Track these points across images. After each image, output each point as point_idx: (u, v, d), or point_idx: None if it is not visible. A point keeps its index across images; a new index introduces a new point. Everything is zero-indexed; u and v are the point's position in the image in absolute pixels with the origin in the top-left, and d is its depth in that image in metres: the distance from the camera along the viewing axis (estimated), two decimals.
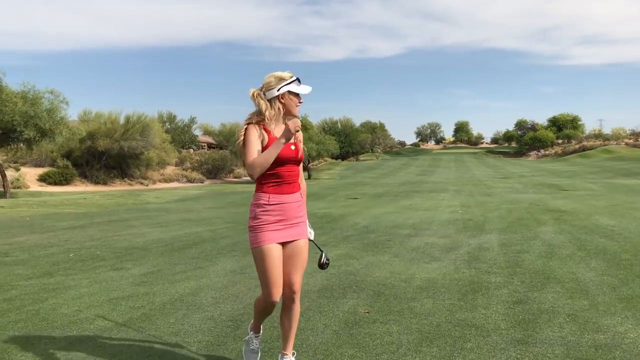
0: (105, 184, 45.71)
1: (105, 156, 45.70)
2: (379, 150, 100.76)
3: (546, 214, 12.10)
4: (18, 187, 36.35)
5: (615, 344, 3.83)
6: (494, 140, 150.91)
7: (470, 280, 5.92)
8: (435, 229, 10.32)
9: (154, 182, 49.96)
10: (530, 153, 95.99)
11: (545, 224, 10.46)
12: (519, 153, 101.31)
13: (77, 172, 44.73)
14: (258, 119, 3.33)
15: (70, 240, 10.04)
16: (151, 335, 4.31)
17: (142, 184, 48.15)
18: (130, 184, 47.62)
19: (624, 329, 4.13)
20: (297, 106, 3.42)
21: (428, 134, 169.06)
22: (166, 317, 4.82)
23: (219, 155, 60.25)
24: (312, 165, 65.89)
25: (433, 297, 5.30)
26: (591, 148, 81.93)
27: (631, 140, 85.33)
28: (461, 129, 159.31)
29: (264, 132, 3.29)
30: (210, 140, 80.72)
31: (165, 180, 51.94)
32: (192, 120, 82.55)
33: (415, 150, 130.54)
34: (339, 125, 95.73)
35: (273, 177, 3.30)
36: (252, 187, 3.51)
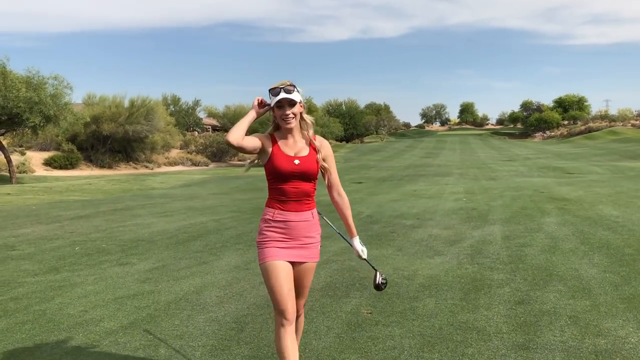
0: (110, 167, 45.89)
1: (110, 140, 45.83)
2: (384, 132, 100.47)
3: (550, 203, 12.09)
4: (24, 172, 36.55)
5: (615, 349, 3.86)
6: (500, 122, 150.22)
7: (472, 278, 5.95)
8: (439, 219, 10.34)
9: (159, 166, 50.11)
10: (536, 134, 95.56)
11: (549, 214, 10.46)
12: (524, 134, 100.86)
13: (82, 156, 44.92)
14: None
15: (76, 231, 10.12)
16: (156, 339, 4.36)
17: (147, 167, 48.31)
18: (136, 168, 47.79)
19: (625, 333, 4.15)
20: (283, 119, 3.13)
21: (433, 115, 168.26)
22: (171, 319, 4.87)
23: (224, 138, 60.23)
24: None
25: (435, 296, 5.33)
26: (597, 129, 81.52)
27: (637, 122, 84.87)
28: (466, 110, 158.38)
29: (270, 141, 3.19)
30: (214, 122, 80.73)
31: (170, 164, 52.07)
32: (197, 103, 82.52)
33: (420, 131, 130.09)
34: (344, 107, 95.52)
35: (277, 192, 3.18)
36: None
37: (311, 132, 3.26)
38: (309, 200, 3.23)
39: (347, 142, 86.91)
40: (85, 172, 42.43)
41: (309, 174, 3.17)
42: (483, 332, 4.28)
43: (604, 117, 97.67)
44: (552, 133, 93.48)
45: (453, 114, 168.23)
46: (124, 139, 46.43)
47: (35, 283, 6.30)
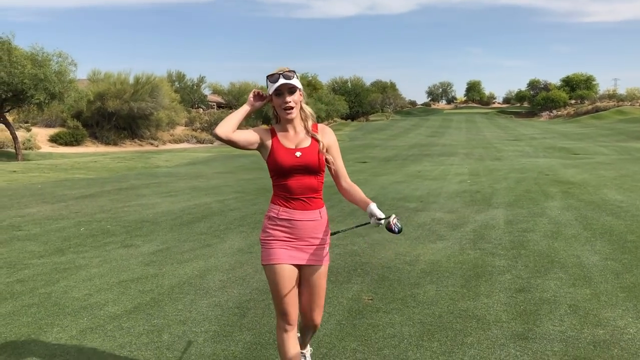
0: (115, 144, 45.97)
1: (115, 117, 45.85)
2: (390, 111, 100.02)
3: (554, 186, 12.07)
4: (29, 148, 36.67)
5: (614, 340, 3.89)
6: (506, 100, 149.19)
7: (474, 264, 5.98)
8: (442, 203, 10.36)
9: (164, 143, 50.17)
10: (542, 114, 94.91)
11: (553, 198, 10.45)
12: (531, 113, 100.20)
13: (88, 132, 44.98)
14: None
15: (81, 212, 10.18)
16: (159, 324, 4.42)
17: (152, 144, 48.38)
18: (141, 145, 47.87)
19: (624, 323, 4.18)
20: (284, 109, 2.94)
21: (439, 93, 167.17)
22: (174, 303, 4.93)
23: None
24: None
25: (437, 282, 5.37)
26: (604, 109, 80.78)
27: None
28: (473, 89, 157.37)
29: (269, 135, 3.02)
30: (219, 99, 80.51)
31: (175, 141, 52.12)
32: (201, 80, 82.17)
33: (426, 110, 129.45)
34: (349, 85, 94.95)
35: (280, 189, 2.99)
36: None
37: (310, 123, 3.05)
38: (315, 196, 3.01)
39: (352, 120, 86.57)
40: (90, 148, 42.54)
41: (312, 167, 2.95)
42: (483, 321, 4.32)
43: (612, 96, 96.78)
44: (559, 112, 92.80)
45: (459, 92, 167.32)
46: (129, 115, 46.45)
47: (40, 265, 6.37)
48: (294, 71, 2.94)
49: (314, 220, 3.00)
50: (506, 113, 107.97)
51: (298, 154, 2.95)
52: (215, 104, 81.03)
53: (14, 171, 20.25)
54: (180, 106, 57.13)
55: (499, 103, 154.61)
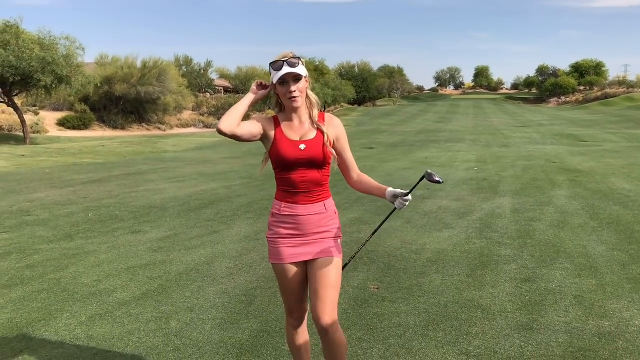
0: (123, 129, 46.01)
1: (122, 101, 45.84)
2: (397, 96, 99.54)
3: (562, 174, 12.03)
4: (37, 132, 36.76)
5: (619, 332, 3.91)
6: (514, 86, 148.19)
7: (480, 253, 6.00)
8: (449, 190, 10.35)
9: (171, 128, 50.16)
10: (551, 100, 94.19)
11: (560, 186, 10.43)
12: (539, 99, 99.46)
13: (95, 116, 45.00)
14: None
15: (89, 197, 10.25)
16: (167, 311, 4.47)
17: (159, 129, 48.40)
18: (148, 129, 47.90)
19: (629, 315, 4.20)
20: (289, 98, 2.75)
21: (447, 79, 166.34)
22: (182, 290, 4.98)
23: (236, 100, 59.99)
24: (328, 111, 65.51)
25: (442, 272, 5.39)
26: (614, 96, 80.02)
27: None
28: (481, 74, 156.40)
29: (272, 125, 2.84)
30: (226, 84, 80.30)
31: (182, 126, 52.10)
32: (209, 64, 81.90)
33: (433, 95, 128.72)
34: (356, 70, 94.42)
35: (283, 183, 2.83)
36: None
37: (316, 112, 2.85)
38: (320, 190, 2.84)
39: (360, 105, 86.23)
40: (98, 132, 42.63)
41: (317, 160, 2.77)
42: (488, 311, 4.34)
43: (621, 83, 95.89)
44: (567, 99, 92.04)
45: (467, 78, 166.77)
46: (136, 100, 46.42)
47: (50, 250, 6.43)
48: (299, 57, 2.74)
49: (319, 213, 2.84)
50: (514, 99, 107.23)
51: (302, 146, 2.77)
52: (222, 88, 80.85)
53: (23, 155, 20.37)
54: (187, 91, 57.03)
55: (507, 89, 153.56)
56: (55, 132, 39.55)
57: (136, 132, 45.89)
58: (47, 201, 9.80)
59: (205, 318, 4.32)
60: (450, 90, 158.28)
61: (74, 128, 41.81)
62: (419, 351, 3.69)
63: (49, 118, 41.33)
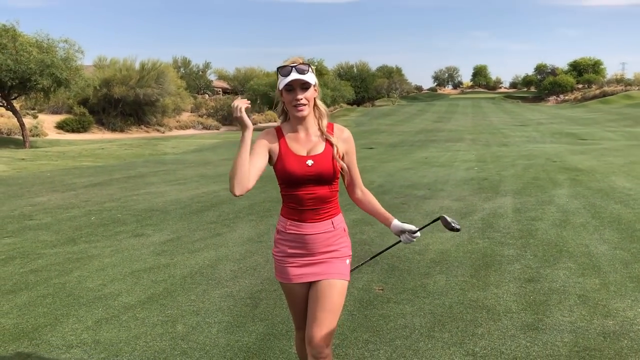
0: (122, 131, 46.05)
1: (121, 103, 45.91)
2: (396, 96, 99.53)
3: (562, 173, 12.06)
4: (36, 135, 36.77)
5: (623, 331, 3.93)
6: (513, 85, 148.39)
7: (483, 253, 6.02)
8: (450, 190, 10.37)
9: (170, 129, 50.19)
10: (549, 98, 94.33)
11: (561, 185, 10.45)
12: (538, 98, 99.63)
13: (94, 119, 45.04)
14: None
15: (90, 200, 10.26)
16: (173, 315, 4.49)
17: (158, 131, 48.44)
18: (147, 131, 47.95)
19: (633, 314, 4.21)
20: (294, 105, 2.55)
21: (446, 78, 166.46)
22: (187, 293, 5.00)
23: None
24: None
25: (446, 272, 5.41)
26: (612, 94, 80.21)
27: None
28: (479, 73, 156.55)
29: (276, 137, 2.65)
30: (225, 85, 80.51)
31: (181, 127, 52.12)
32: (207, 65, 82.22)
33: (432, 95, 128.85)
34: (355, 70, 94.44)
35: (289, 200, 2.65)
36: None
37: (325, 122, 2.65)
38: (329, 207, 2.66)
39: (358, 105, 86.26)
40: (97, 135, 42.64)
41: (326, 176, 2.59)
42: (493, 311, 4.36)
43: (619, 81, 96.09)
44: (566, 97, 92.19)
45: (466, 77, 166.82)
46: (135, 102, 46.50)
47: (53, 255, 6.44)
48: (308, 64, 2.56)
49: (326, 232, 2.65)
50: (513, 98, 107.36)
51: (310, 162, 2.57)
52: (220, 89, 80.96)
53: (23, 159, 20.38)
54: (186, 92, 57.12)
55: (505, 88, 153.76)
56: (54, 135, 39.57)
57: (135, 134, 45.91)
58: (49, 205, 9.81)
59: (211, 321, 4.33)
60: (448, 89, 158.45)
61: (73, 131, 41.85)
62: (426, 352, 3.71)
63: (47, 121, 41.34)
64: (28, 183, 13.20)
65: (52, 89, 29.37)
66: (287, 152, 2.60)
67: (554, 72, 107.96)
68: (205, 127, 53.49)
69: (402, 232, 2.72)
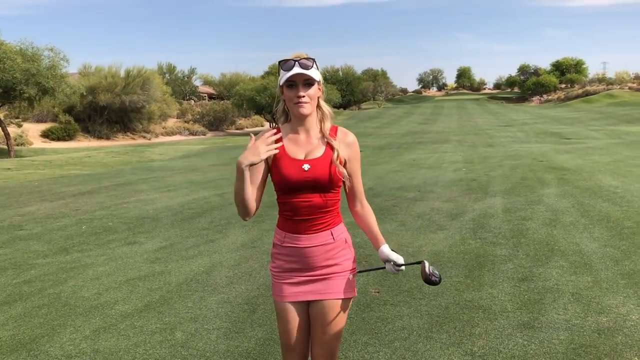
0: (108, 138, 45.81)
1: (107, 111, 45.69)
2: (381, 99, 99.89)
3: (549, 173, 12.19)
4: (21, 144, 36.48)
5: (617, 327, 4.00)
6: (497, 86, 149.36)
7: (476, 254, 6.08)
8: (440, 192, 10.45)
9: (157, 136, 50.01)
10: (533, 98, 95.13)
11: (549, 184, 10.57)
12: (522, 98, 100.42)
13: (80, 127, 44.76)
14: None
15: (80, 209, 10.20)
16: (171, 322, 4.49)
17: (144, 137, 48.23)
18: (133, 138, 47.72)
19: (626, 310, 4.29)
20: (296, 103, 2.36)
21: (430, 80, 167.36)
22: (184, 300, 5.00)
23: (221, 107, 60.07)
24: None
25: (440, 273, 5.44)
26: (594, 93, 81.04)
27: (635, 84, 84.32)
28: (463, 75, 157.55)
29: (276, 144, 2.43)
30: (210, 90, 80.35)
31: (168, 134, 51.96)
32: (192, 71, 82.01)
33: (417, 97, 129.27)
34: (341, 74, 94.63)
35: (284, 208, 2.47)
36: None
37: (328, 125, 2.48)
38: (327, 216, 2.46)
39: (345, 109, 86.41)
40: (83, 143, 42.34)
41: (323, 183, 2.39)
42: (489, 311, 4.42)
43: (601, 80, 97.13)
44: (549, 97, 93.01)
45: (450, 79, 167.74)
46: (120, 109, 46.29)
47: (46, 265, 6.41)
48: (313, 59, 2.38)
49: (325, 244, 2.45)
50: (497, 99, 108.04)
51: (306, 166, 2.39)
52: (206, 95, 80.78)
53: (9, 168, 20.17)
54: (171, 98, 56.95)
55: (489, 89, 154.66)
56: (39, 143, 39.27)
57: (121, 141, 45.68)
58: (38, 214, 9.74)
59: (209, 328, 4.35)
60: (433, 91, 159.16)
61: (58, 139, 41.56)
62: (425, 353, 3.75)
63: (32, 130, 41.01)
64: (16, 193, 13.09)
65: (37, 98, 29.14)
66: (283, 155, 2.42)
67: (537, 72, 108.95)
68: (192, 133, 53.35)
69: (388, 260, 2.53)
